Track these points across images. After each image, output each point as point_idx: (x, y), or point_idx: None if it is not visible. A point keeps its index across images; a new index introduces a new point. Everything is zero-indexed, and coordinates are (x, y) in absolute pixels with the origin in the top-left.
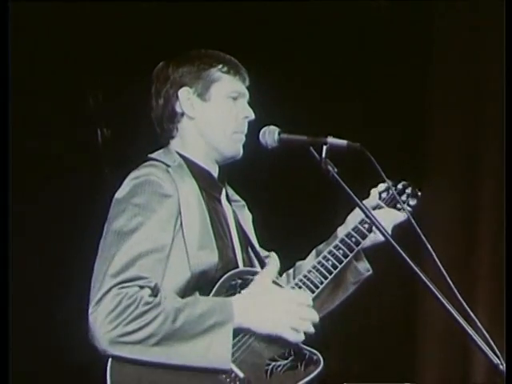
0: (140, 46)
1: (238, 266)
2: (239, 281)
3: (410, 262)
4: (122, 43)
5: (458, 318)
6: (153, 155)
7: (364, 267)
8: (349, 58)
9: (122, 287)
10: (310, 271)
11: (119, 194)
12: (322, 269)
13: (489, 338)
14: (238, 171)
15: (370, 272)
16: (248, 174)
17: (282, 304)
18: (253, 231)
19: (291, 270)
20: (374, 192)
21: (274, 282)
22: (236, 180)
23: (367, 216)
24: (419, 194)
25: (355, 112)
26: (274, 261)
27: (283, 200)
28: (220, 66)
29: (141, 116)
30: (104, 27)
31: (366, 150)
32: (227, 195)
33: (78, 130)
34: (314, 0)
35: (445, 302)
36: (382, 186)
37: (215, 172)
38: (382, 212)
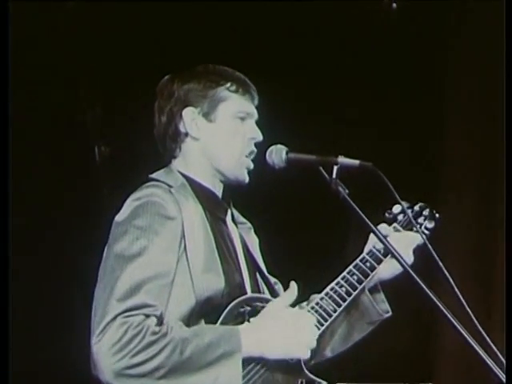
0: (144, 56)
1: (245, 292)
2: (248, 308)
3: (429, 293)
4: (125, 53)
5: (477, 349)
6: (154, 175)
7: (383, 308)
8: (361, 73)
9: (128, 315)
10: (322, 298)
11: (120, 217)
12: (335, 295)
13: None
14: (244, 192)
15: (390, 314)
16: (254, 195)
17: (291, 326)
18: (260, 255)
19: (304, 303)
20: (389, 215)
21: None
22: (242, 201)
23: (381, 241)
24: (437, 215)
25: (367, 130)
26: (291, 290)
27: (291, 224)
28: (228, 85)
29: (142, 133)
30: (105, 34)
31: (378, 170)
32: (233, 216)
33: (74, 147)
34: (327, 14)
35: (463, 331)
36: (397, 208)
37: (220, 192)
38: (400, 236)
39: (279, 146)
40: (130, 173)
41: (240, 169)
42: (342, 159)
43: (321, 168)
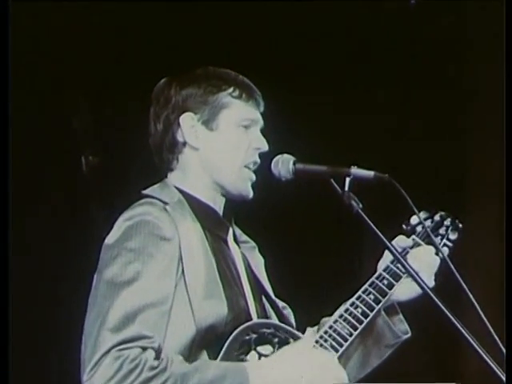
0: (140, 58)
1: (251, 318)
2: (254, 335)
3: (452, 318)
4: (119, 54)
5: (501, 375)
6: (147, 191)
7: (402, 329)
8: (377, 78)
9: (123, 348)
10: (336, 321)
11: (110, 239)
12: (350, 317)
13: None
14: (247, 207)
15: (409, 334)
16: (258, 210)
17: (302, 368)
18: (266, 277)
19: (315, 328)
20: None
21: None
22: (244, 218)
23: (398, 260)
24: (460, 226)
25: (381, 139)
26: (310, 335)
27: (299, 241)
28: (231, 90)
29: (136, 142)
30: (96, 36)
31: (395, 182)
32: (235, 235)
33: (57, 156)
34: (340, 16)
35: (486, 357)
36: (415, 219)
37: (221, 208)
38: (419, 251)
39: (286, 155)
40: (121, 186)
41: (243, 182)
42: (355, 170)
43: (332, 180)
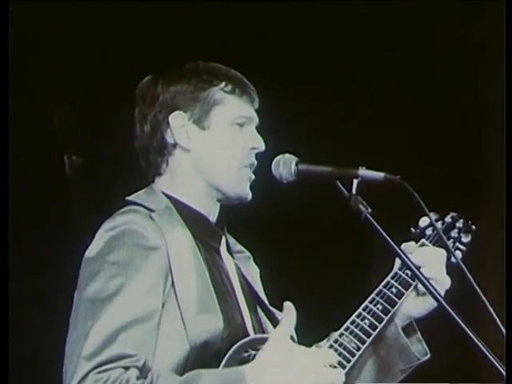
0: (127, 54)
1: (247, 333)
2: (252, 352)
3: (469, 332)
4: (104, 49)
5: None
6: (132, 197)
7: (420, 350)
8: (385, 73)
9: (102, 371)
10: (342, 334)
11: (91, 252)
12: (357, 330)
13: None
14: (243, 212)
15: (428, 356)
16: (255, 216)
17: (303, 366)
18: (261, 288)
19: (323, 342)
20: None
21: (292, 339)
22: (240, 224)
23: (409, 269)
24: (473, 227)
25: (390, 138)
26: (289, 313)
27: (301, 249)
28: (222, 85)
29: (122, 144)
30: (80, 31)
31: (407, 185)
32: (228, 245)
33: (38, 156)
34: (346, 11)
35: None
36: (425, 221)
37: (214, 216)
38: (429, 253)
39: (288, 155)
40: (107, 190)
41: (241, 183)
42: (363, 171)
43: (338, 182)
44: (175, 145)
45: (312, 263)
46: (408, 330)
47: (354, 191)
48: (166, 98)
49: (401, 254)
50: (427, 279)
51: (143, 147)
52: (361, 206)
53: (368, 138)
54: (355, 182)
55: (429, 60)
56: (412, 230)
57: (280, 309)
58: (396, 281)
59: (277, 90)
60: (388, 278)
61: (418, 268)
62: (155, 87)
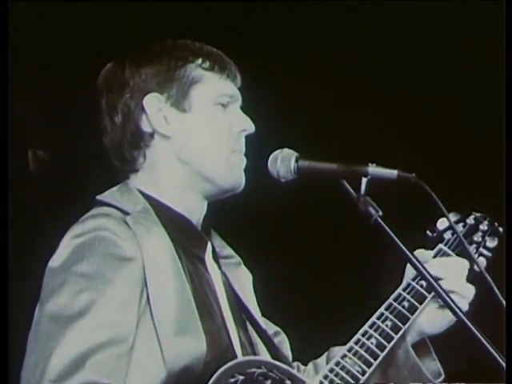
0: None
1: (235, 355)
2: (240, 377)
3: (494, 353)
4: (75, 36)
5: None
6: (104, 197)
7: (434, 370)
8: (398, 61)
9: None
10: (344, 356)
11: (56, 261)
12: (362, 351)
13: None
14: (233, 215)
15: (442, 377)
16: (248, 219)
17: None
18: (254, 299)
19: (321, 359)
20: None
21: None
22: (228, 227)
23: (426, 280)
24: (500, 230)
25: (400, 131)
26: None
27: (300, 257)
28: (199, 61)
29: (93, 136)
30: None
31: (423, 184)
32: (214, 251)
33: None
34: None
35: None
36: (443, 222)
37: (198, 219)
38: (449, 264)
39: (286, 150)
40: (75, 188)
41: (234, 169)
42: (373, 169)
43: (344, 181)
44: (153, 134)
45: (313, 272)
46: (420, 347)
47: (362, 191)
48: (136, 81)
49: (415, 262)
50: (447, 293)
51: (115, 142)
52: (370, 209)
53: (377, 131)
54: (364, 180)
55: (450, 54)
56: (428, 233)
57: (274, 319)
58: (409, 293)
59: (272, 74)
60: (399, 289)
61: (436, 280)
62: (122, 72)
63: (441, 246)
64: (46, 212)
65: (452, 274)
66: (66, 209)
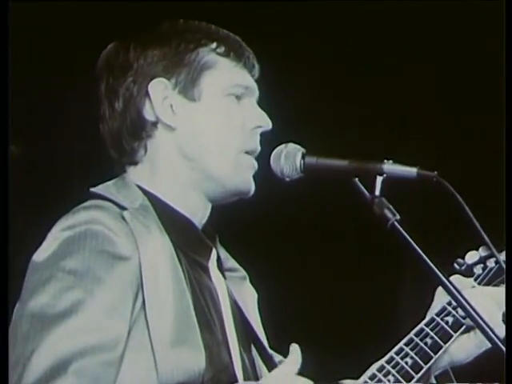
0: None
1: (235, 378)
2: None
3: None
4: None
5: None
6: (98, 189)
7: None
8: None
9: None
10: None
11: (41, 255)
12: None
13: None
14: (234, 221)
15: None
16: (250, 225)
17: None
18: (259, 320)
19: None
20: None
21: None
22: (231, 235)
23: (456, 300)
24: None
25: (417, 126)
26: (294, 356)
27: (310, 269)
28: (214, 45)
29: (81, 127)
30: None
31: (447, 184)
32: (219, 260)
33: None
34: None
35: None
36: (472, 256)
37: (201, 220)
38: (479, 293)
39: (292, 145)
40: (58, 185)
41: (242, 172)
42: (389, 166)
43: (356, 180)
44: (156, 123)
45: (324, 287)
46: (442, 379)
47: (377, 192)
48: (141, 64)
49: (441, 276)
50: (486, 322)
51: (113, 131)
52: (387, 212)
53: (391, 124)
54: (379, 179)
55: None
56: (456, 266)
57: (279, 349)
58: (432, 329)
59: (277, 60)
60: (422, 324)
61: (475, 310)
62: (126, 53)
63: (471, 280)
64: (30, 206)
65: (489, 309)
66: (51, 203)
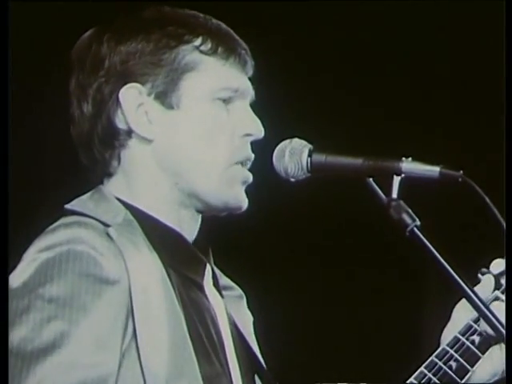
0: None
1: None
2: None
3: None
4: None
5: None
6: (72, 205)
7: None
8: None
9: None
10: None
11: (15, 280)
12: None
13: None
14: (229, 230)
15: None
16: (248, 234)
17: None
18: (256, 345)
19: None
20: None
21: None
22: (224, 248)
23: (485, 318)
24: None
25: (436, 121)
26: None
27: (315, 284)
28: (198, 41)
29: (56, 129)
30: None
31: (474, 185)
32: (214, 277)
33: None
34: None
35: None
36: (498, 266)
37: (192, 233)
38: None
39: (297, 141)
40: (33, 195)
41: (232, 187)
42: (408, 165)
43: (371, 180)
44: (130, 132)
45: (329, 304)
46: None
47: (394, 194)
48: (113, 62)
49: (467, 290)
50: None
51: (83, 137)
52: (405, 216)
53: (406, 118)
54: (396, 179)
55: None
56: (480, 276)
57: (276, 376)
58: (457, 351)
59: (277, 52)
60: (444, 345)
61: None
62: (99, 46)
63: (497, 293)
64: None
65: None
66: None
